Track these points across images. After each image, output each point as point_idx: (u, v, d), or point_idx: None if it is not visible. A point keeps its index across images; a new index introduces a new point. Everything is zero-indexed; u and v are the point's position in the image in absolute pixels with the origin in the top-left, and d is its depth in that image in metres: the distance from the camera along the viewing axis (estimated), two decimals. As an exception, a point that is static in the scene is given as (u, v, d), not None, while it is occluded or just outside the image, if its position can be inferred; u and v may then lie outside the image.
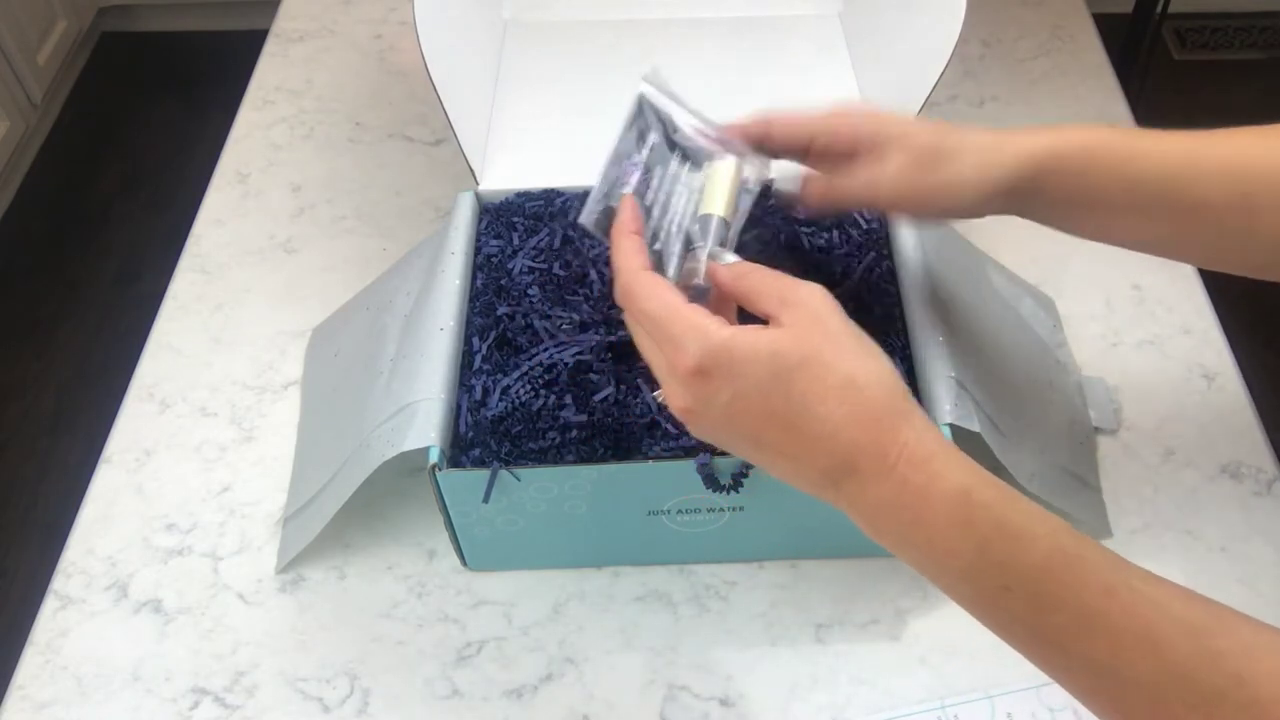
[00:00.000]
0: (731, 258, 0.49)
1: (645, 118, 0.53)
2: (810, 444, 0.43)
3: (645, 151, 0.52)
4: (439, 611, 0.62)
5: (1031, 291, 0.74)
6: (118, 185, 2.03)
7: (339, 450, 0.62)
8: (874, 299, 0.62)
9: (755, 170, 0.54)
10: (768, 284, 0.46)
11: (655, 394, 0.56)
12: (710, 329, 0.44)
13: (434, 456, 0.55)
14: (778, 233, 0.64)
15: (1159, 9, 1.64)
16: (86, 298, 1.84)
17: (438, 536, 0.65)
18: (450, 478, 0.56)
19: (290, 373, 0.74)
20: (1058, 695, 0.56)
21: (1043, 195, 0.52)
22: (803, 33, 0.83)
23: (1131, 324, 0.75)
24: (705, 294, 0.49)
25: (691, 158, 0.54)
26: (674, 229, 0.51)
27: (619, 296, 0.47)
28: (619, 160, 0.52)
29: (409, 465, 0.57)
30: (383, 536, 0.66)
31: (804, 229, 0.66)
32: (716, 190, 0.52)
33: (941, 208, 0.53)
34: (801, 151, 0.55)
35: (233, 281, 0.80)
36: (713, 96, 0.79)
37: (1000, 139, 0.52)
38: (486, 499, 0.56)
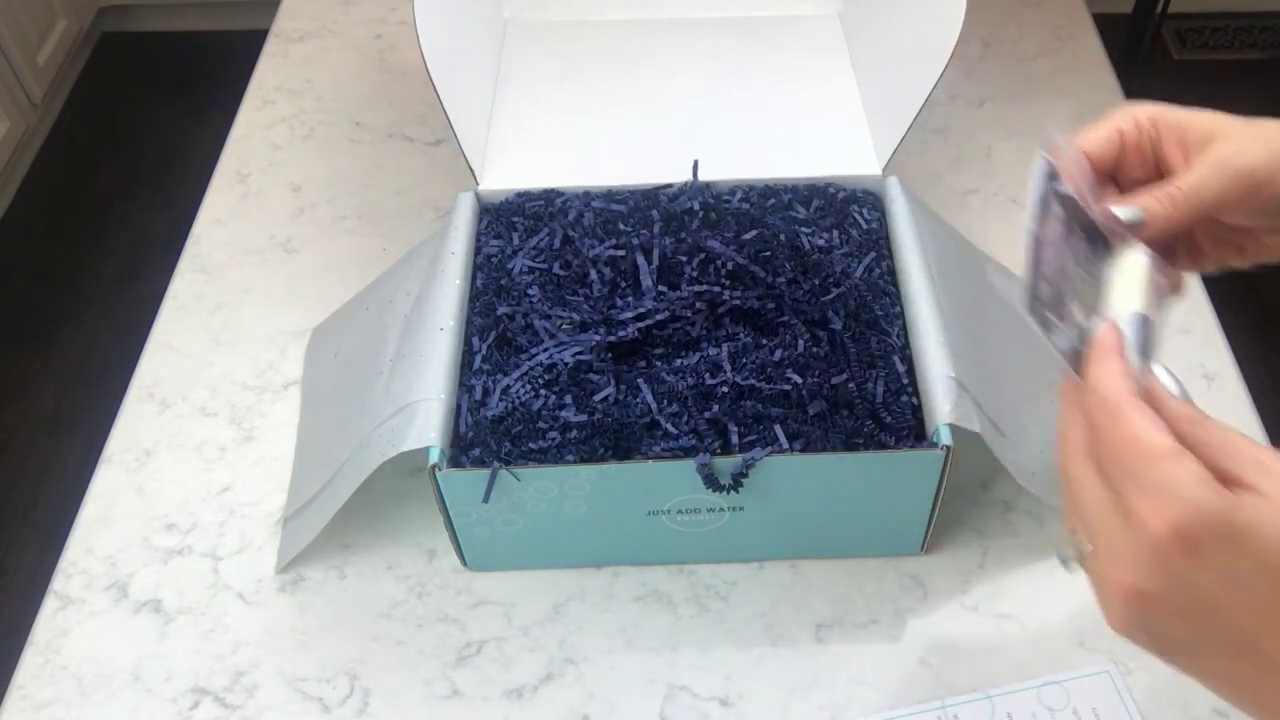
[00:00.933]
0: (1175, 387, 0.40)
1: (1047, 188, 0.45)
2: None
3: (1053, 224, 0.44)
4: (439, 611, 0.62)
5: (1031, 291, 0.74)
6: (118, 185, 2.03)
7: (339, 450, 0.62)
8: (874, 299, 0.62)
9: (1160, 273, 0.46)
10: (1237, 444, 0.36)
11: (1066, 559, 0.43)
12: (1206, 478, 0.33)
13: (434, 456, 0.55)
14: (778, 233, 0.64)
15: (1159, 9, 1.64)
16: (86, 298, 1.84)
17: (438, 536, 0.65)
18: (450, 478, 0.56)
19: (290, 373, 0.74)
20: (1058, 695, 0.56)
21: None
22: (803, 33, 0.83)
23: (1131, 324, 0.75)
24: None
25: (1090, 238, 0.46)
26: (1072, 315, 0.43)
27: (1072, 432, 0.40)
28: (1033, 236, 0.44)
29: (409, 465, 0.57)
30: (383, 536, 0.66)
31: (804, 229, 0.66)
32: (1132, 284, 0.44)
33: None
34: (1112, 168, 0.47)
35: (233, 281, 0.80)
36: (713, 96, 0.80)
37: None
38: (486, 499, 0.56)
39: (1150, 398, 0.37)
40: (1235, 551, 0.32)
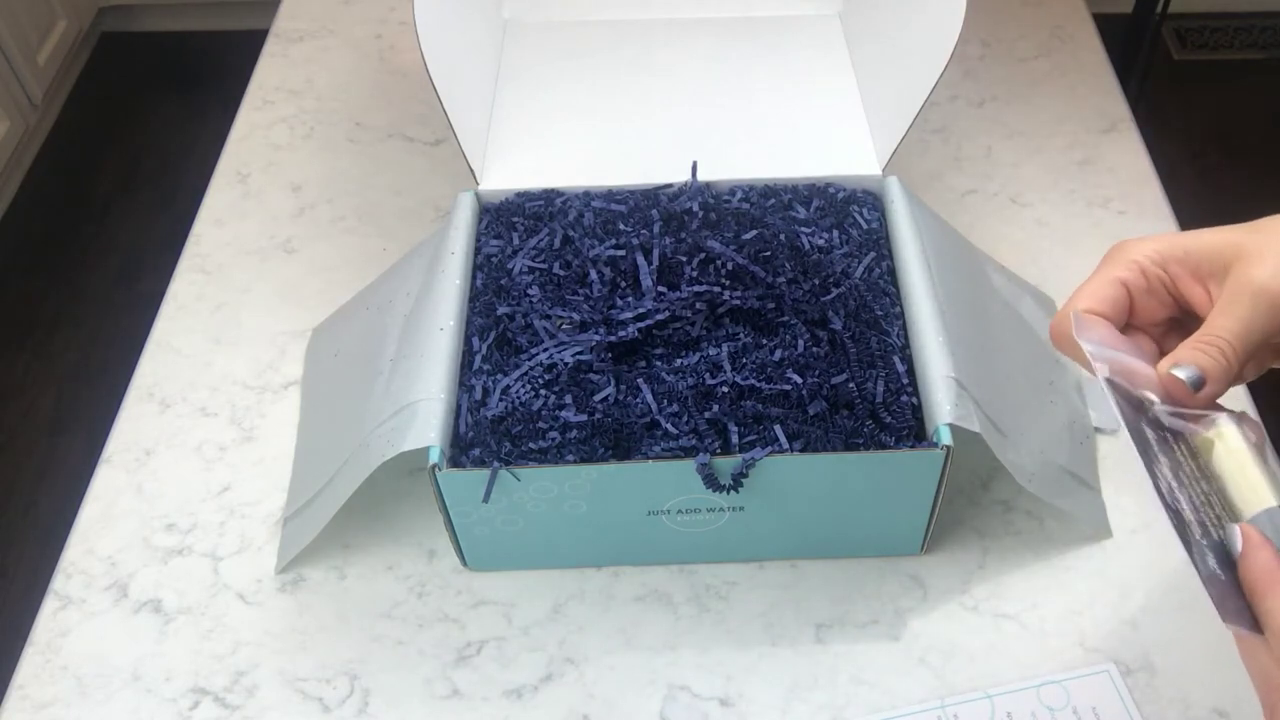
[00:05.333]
0: None
1: (1126, 409, 0.41)
2: None
3: (1154, 450, 0.40)
4: (439, 611, 0.62)
5: (1031, 291, 0.74)
6: (118, 185, 2.03)
7: (339, 450, 0.62)
8: (874, 299, 0.62)
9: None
10: None
11: None
12: None
13: (434, 456, 0.55)
14: (778, 233, 0.64)
15: (1159, 9, 1.64)
16: (86, 298, 1.84)
17: (438, 536, 0.65)
18: (450, 478, 0.56)
19: (290, 373, 0.74)
20: (1058, 695, 0.57)
21: None
22: (803, 33, 0.83)
23: (1131, 324, 0.75)
24: None
25: (1169, 430, 0.42)
26: (1202, 531, 0.39)
27: None
28: (1159, 487, 0.39)
29: (409, 465, 0.57)
30: (383, 536, 0.66)
31: (804, 229, 0.66)
32: (1247, 473, 0.40)
33: None
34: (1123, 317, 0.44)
35: (233, 281, 0.80)
36: (713, 96, 0.80)
37: None
38: (486, 499, 0.56)
39: None
40: None
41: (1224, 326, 0.41)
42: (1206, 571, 0.36)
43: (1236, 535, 0.37)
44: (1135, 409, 0.41)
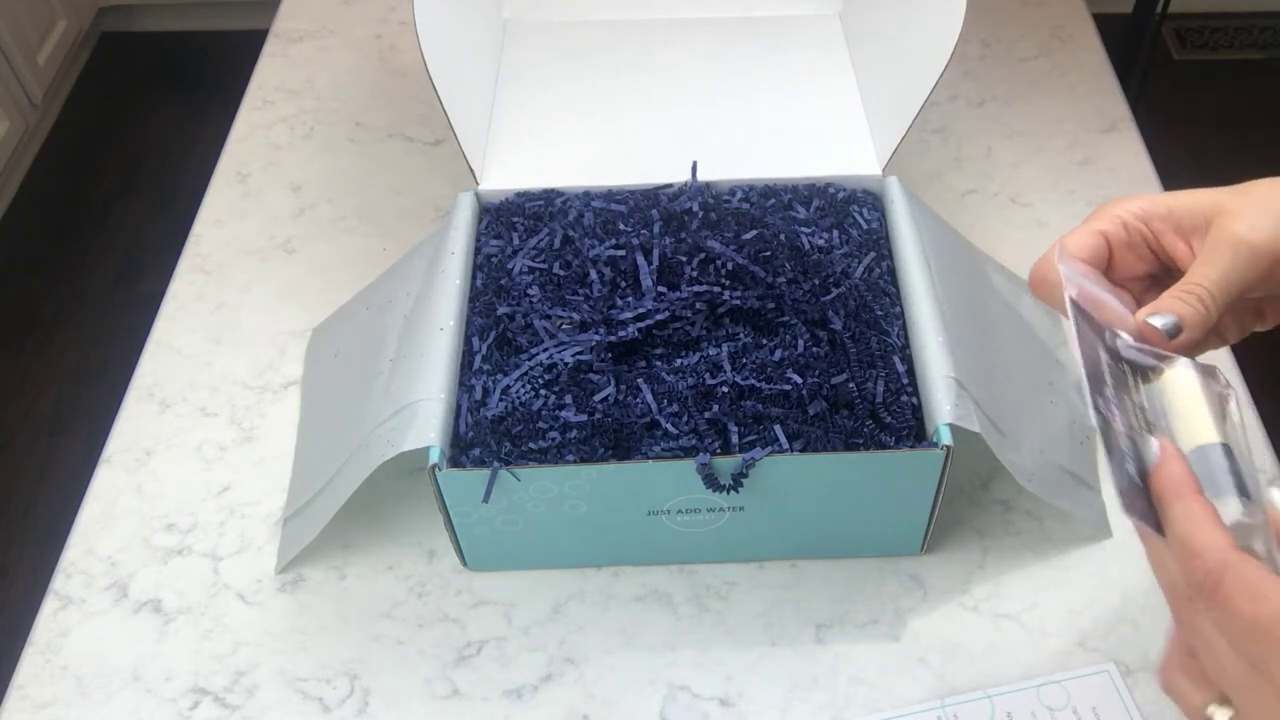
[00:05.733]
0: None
1: (1084, 328, 0.42)
2: None
3: (1108, 379, 0.40)
4: (439, 611, 0.62)
5: (1031, 291, 0.74)
6: (118, 185, 2.03)
7: (339, 450, 0.62)
8: (874, 299, 0.62)
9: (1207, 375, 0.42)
10: None
11: None
12: None
13: (434, 456, 0.55)
14: (778, 233, 0.64)
15: (1159, 9, 1.64)
16: (86, 298, 1.84)
17: (438, 536, 0.65)
18: (450, 478, 0.56)
19: (290, 373, 0.74)
20: (1057, 695, 0.57)
21: None
22: (803, 33, 0.83)
23: (1131, 324, 0.75)
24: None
25: (1128, 362, 0.42)
26: (1130, 445, 0.39)
27: (1200, 587, 0.34)
28: (1096, 409, 0.39)
29: (409, 465, 0.57)
30: (383, 536, 0.66)
31: (804, 229, 0.66)
32: (1194, 410, 0.40)
33: None
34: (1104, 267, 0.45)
35: (233, 281, 0.80)
36: (713, 96, 0.80)
37: None
38: (486, 499, 0.56)
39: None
40: None
41: (1204, 275, 0.42)
42: (1122, 476, 0.37)
43: (1154, 445, 0.37)
44: (1096, 334, 0.42)
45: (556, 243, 0.66)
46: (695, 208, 0.67)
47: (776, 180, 0.70)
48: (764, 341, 0.60)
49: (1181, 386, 0.40)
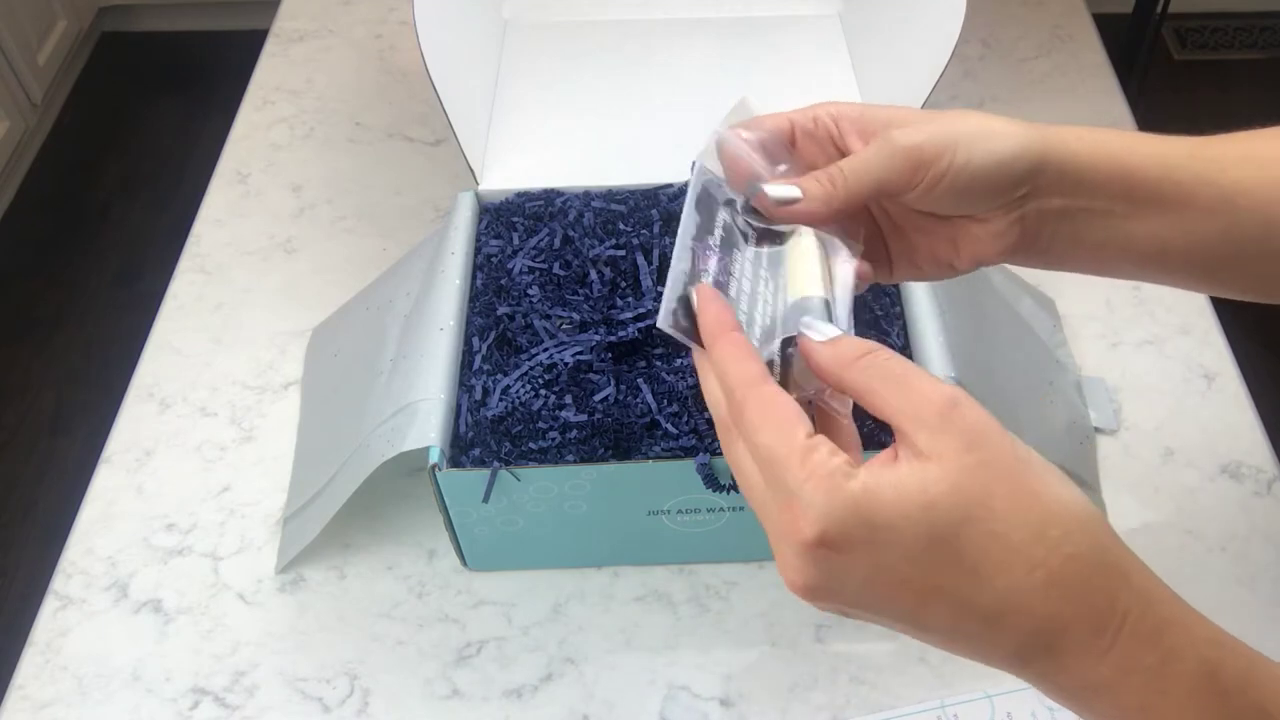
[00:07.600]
0: (831, 330, 0.38)
1: (711, 196, 0.44)
2: (992, 623, 0.33)
3: (718, 233, 0.43)
4: (439, 611, 0.62)
5: (1031, 291, 0.74)
6: (118, 185, 2.03)
7: (339, 450, 0.62)
8: (874, 299, 0.62)
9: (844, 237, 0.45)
10: (891, 390, 0.35)
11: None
12: (836, 479, 0.33)
13: (434, 456, 0.55)
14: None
15: (1159, 9, 1.64)
16: (86, 298, 1.84)
17: (438, 536, 0.65)
18: (450, 478, 0.56)
19: (290, 373, 0.74)
20: (1058, 695, 0.57)
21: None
22: (803, 33, 0.83)
23: (1131, 324, 0.75)
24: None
25: (756, 228, 0.45)
26: (766, 329, 0.41)
27: (727, 416, 0.38)
28: (689, 248, 0.41)
29: (409, 465, 0.57)
30: (383, 536, 0.66)
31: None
32: (803, 267, 0.42)
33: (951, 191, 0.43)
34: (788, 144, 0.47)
35: (233, 281, 0.80)
36: (713, 97, 0.80)
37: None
38: (486, 499, 0.56)
39: (806, 351, 0.38)
40: (873, 545, 0.33)
41: (846, 161, 0.44)
42: (678, 301, 0.40)
43: (693, 293, 0.40)
44: (717, 196, 0.44)
45: (556, 243, 0.66)
46: (695, 208, 0.67)
47: (776, 180, 0.70)
48: (764, 341, 0.60)
49: (802, 246, 0.43)
